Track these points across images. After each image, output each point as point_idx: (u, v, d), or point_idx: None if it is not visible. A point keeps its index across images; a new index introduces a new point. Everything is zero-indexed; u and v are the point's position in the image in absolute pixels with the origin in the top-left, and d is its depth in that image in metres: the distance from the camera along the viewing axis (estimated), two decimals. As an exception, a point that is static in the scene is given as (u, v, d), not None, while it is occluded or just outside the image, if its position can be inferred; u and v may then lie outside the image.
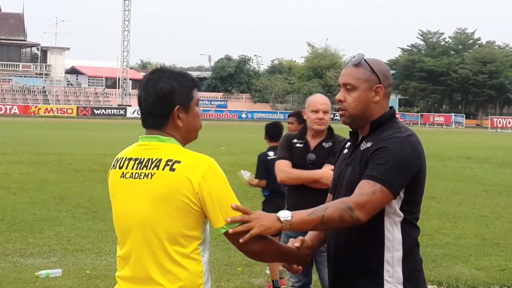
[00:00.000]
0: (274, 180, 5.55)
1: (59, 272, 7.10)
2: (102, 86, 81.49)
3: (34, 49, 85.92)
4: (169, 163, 2.50)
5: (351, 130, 2.90)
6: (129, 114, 67.51)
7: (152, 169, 2.52)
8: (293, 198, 5.06)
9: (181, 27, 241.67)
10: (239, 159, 20.11)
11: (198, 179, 2.46)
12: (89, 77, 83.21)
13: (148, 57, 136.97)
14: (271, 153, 6.91)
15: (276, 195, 6.88)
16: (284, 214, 2.59)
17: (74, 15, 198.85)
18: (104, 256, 7.95)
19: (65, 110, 67.45)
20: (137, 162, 2.57)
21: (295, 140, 5.15)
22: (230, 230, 2.49)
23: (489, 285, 7.16)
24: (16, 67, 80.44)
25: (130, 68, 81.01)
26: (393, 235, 2.71)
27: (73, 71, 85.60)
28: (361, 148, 2.78)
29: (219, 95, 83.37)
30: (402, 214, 2.72)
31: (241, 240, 2.50)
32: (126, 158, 2.62)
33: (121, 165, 2.61)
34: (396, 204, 2.70)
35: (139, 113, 2.63)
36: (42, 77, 79.13)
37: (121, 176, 2.59)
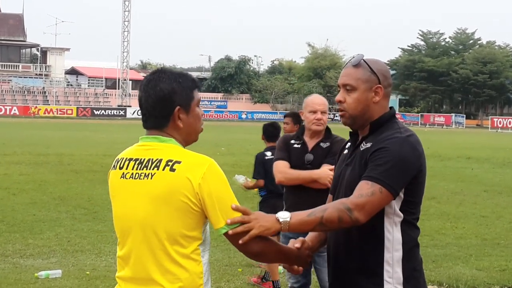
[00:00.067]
0: (272, 180, 5.55)
1: (59, 273, 7.10)
2: (102, 86, 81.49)
3: (34, 50, 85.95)
4: (169, 163, 2.50)
5: (351, 130, 2.90)
6: (129, 115, 67.50)
7: (153, 169, 2.52)
8: (291, 198, 5.07)
9: (181, 27, 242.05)
10: (239, 160, 20.11)
11: (198, 179, 2.47)
12: (89, 77, 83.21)
13: (148, 58, 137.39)
14: (268, 153, 6.93)
15: (272, 195, 6.91)
16: (283, 215, 2.59)
17: (74, 15, 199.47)
18: (104, 257, 7.95)
19: (65, 110, 67.46)
20: (137, 162, 2.58)
21: (292, 141, 5.15)
22: (230, 231, 2.50)
23: (490, 286, 7.16)
24: (16, 68, 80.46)
25: (130, 69, 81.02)
26: (393, 235, 2.70)
27: (73, 71, 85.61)
28: (361, 149, 2.78)
29: (219, 95, 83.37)
30: (402, 215, 2.71)
31: (240, 242, 2.51)
32: (126, 158, 2.62)
33: (121, 165, 2.62)
34: (396, 205, 2.69)
35: (139, 113, 2.65)
36: (42, 78, 79.14)
37: (121, 177, 2.60)
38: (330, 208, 2.63)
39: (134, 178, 2.55)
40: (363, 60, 2.81)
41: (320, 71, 79.98)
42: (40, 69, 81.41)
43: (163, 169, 2.50)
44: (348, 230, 2.71)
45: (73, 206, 11.57)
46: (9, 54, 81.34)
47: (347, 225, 2.63)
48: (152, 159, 2.54)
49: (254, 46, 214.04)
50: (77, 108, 68.63)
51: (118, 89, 77.43)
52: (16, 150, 22.61)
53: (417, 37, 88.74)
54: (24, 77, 78.06)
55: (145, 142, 2.61)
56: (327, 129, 5.12)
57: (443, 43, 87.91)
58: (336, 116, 58.62)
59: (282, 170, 5.05)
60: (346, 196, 2.70)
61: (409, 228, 2.74)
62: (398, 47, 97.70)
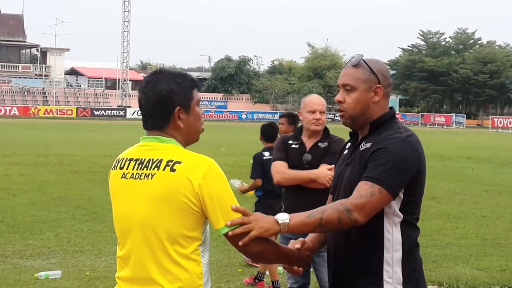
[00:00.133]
0: (270, 180, 5.55)
1: (58, 274, 7.09)
2: (102, 87, 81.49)
3: (34, 50, 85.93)
4: (169, 163, 2.51)
5: (351, 130, 2.90)
6: (129, 115, 67.50)
7: (153, 169, 2.53)
8: (290, 199, 5.07)
9: (181, 27, 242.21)
10: (239, 160, 20.11)
11: (199, 179, 2.47)
12: (89, 78, 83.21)
13: (148, 58, 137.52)
14: (266, 154, 6.94)
15: (269, 196, 6.92)
16: (282, 217, 2.58)
17: (73, 16, 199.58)
18: (104, 258, 7.95)
19: (64, 111, 67.46)
20: (137, 162, 2.58)
21: (290, 141, 5.15)
22: (230, 233, 2.50)
23: (490, 286, 7.16)
24: (16, 68, 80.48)
25: (130, 69, 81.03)
26: (392, 235, 2.70)
27: (72, 72, 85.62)
28: (361, 149, 2.77)
29: (219, 95, 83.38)
30: (401, 215, 2.71)
31: (240, 243, 2.51)
32: (127, 158, 2.63)
33: (122, 165, 2.62)
34: (395, 205, 2.69)
35: (139, 114, 2.65)
36: (42, 78, 79.13)
37: (121, 177, 2.60)
38: (329, 209, 2.63)
39: (135, 178, 2.56)
40: (363, 60, 2.80)
41: (320, 71, 79.99)
42: (40, 70, 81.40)
43: (164, 169, 2.50)
44: (347, 230, 2.71)
45: (73, 207, 11.56)
46: (9, 54, 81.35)
47: (346, 226, 2.62)
48: (153, 159, 2.54)
49: (254, 46, 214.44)
50: (77, 108, 68.63)
51: (118, 89, 77.44)
52: (16, 150, 22.61)
53: (417, 37, 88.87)
54: (24, 78, 78.09)
55: (145, 142, 2.62)
56: (325, 129, 5.12)
57: (443, 43, 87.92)
58: (336, 116, 58.66)
59: (280, 170, 5.05)
60: (346, 196, 2.69)
61: (409, 228, 2.74)
62: (398, 47, 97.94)
